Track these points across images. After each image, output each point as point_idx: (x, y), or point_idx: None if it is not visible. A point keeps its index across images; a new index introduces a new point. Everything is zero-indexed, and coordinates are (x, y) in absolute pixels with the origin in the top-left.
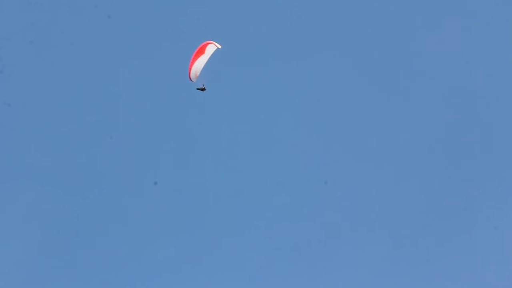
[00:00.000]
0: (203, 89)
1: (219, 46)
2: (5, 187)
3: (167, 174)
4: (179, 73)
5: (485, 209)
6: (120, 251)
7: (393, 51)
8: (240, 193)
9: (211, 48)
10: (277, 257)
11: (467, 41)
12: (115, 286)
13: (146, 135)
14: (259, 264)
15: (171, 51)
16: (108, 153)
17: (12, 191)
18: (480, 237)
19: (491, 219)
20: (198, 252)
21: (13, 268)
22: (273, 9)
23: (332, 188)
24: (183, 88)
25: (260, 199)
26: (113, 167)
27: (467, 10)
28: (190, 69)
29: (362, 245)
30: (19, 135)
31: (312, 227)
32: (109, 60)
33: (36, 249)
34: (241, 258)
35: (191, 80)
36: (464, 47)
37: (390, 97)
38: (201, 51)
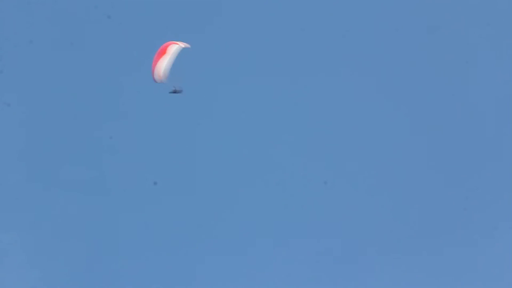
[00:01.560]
0: (175, 92)
1: (185, 46)
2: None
3: (172, 175)
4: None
5: (485, 209)
6: (160, 258)
7: (392, 51)
8: (240, 193)
9: (174, 48)
10: (277, 257)
11: (466, 42)
12: None
13: (147, 136)
14: (260, 264)
15: None
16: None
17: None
18: (480, 237)
19: (491, 219)
20: (200, 254)
21: (55, 278)
22: (277, 12)
23: (332, 188)
24: (183, 88)
25: (260, 199)
26: (135, 174)
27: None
28: (153, 70)
29: (361, 245)
30: (18, 136)
31: (312, 226)
32: (109, 60)
33: (76, 258)
34: (240, 259)
35: (155, 81)
36: (463, 48)
37: (390, 97)
38: (163, 51)
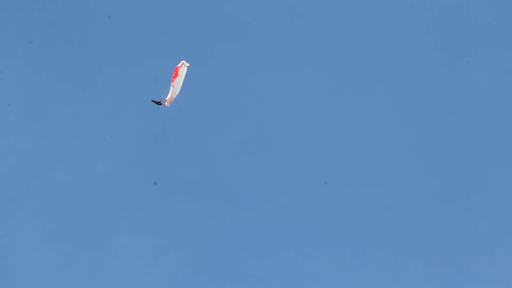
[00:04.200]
0: (159, 103)
1: (187, 64)
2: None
3: (171, 174)
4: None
5: (485, 209)
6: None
7: (391, 52)
8: (240, 194)
9: (184, 69)
10: (277, 256)
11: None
12: None
13: (143, 135)
14: (260, 262)
15: (171, 50)
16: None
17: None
18: (480, 237)
19: (491, 219)
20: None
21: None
22: (277, 11)
23: (332, 188)
24: (183, 87)
25: (260, 199)
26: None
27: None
28: (172, 95)
29: (362, 245)
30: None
31: (311, 226)
32: (109, 60)
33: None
34: (239, 259)
35: (165, 105)
36: (463, 48)
37: (391, 97)
38: (176, 74)
